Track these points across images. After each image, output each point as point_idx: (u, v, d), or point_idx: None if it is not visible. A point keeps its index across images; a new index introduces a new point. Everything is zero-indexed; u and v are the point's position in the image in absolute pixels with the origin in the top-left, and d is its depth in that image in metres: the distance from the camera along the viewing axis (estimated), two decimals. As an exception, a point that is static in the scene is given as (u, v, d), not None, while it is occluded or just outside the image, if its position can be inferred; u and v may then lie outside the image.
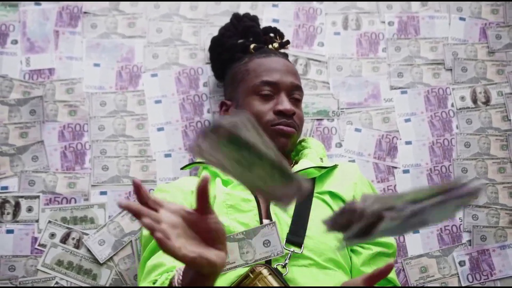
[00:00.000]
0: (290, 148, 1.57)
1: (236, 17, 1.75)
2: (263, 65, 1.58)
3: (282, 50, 1.74)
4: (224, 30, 1.74)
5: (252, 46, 1.68)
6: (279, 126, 1.51)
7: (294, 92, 1.58)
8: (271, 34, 1.76)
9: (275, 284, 1.23)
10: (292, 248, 1.33)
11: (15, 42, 1.79)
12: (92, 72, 1.79)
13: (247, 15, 1.76)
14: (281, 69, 1.58)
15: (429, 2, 1.93)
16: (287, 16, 1.90)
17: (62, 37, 1.81)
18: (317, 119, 1.80)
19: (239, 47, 1.69)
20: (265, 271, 1.24)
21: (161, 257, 1.31)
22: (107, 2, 1.85)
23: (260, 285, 1.23)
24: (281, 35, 1.77)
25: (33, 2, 1.82)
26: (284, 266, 1.30)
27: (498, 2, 1.94)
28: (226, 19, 1.78)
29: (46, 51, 1.79)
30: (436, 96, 1.84)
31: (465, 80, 1.86)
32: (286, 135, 1.52)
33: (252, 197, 1.41)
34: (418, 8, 1.93)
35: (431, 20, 1.92)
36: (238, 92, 1.59)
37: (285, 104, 1.53)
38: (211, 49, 1.75)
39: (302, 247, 1.33)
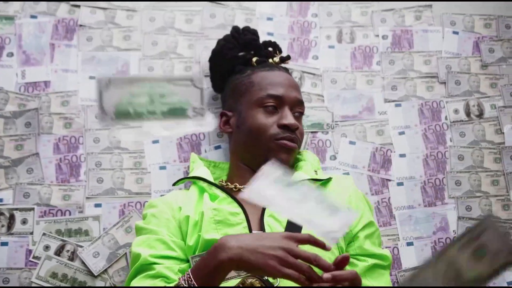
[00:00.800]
0: (291, 163, 1.57)
1: (236, 30, 1.73)
2: (268, 79, 1.58)
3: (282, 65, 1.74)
4: (224, 42, 1.72)
5: (254, 59, 1.67)
6: (282, 140, 1.51)
7: (297, 107, 1.58)
8: (270, 48, 1.76)
9: None
10: (284, 259, 1.32)
11: (11, 54, 1.79)
12: (88, 84, 1.79)
13: (247, 28, 1.75)
14: (285, 83, 1.58)
15: (423, 16, 1.94)
16: (282, 29, 1.91)
17: (57, 50, 1.82)
18: (312, 132, 1.81)
19: (240, 60, 1.68)
20: (256, 283, 1.24)
21: (144, 282, 1.32)
22: (103, 15, 1.85)
23: None
24: (280, 50, 1.76)
25: (29, 15, 1.83)
26: (275, 278, 1.30)
27: (491, 16, 1.96)
28: (222, 32, 1.78)
29: (41, 64, 1.80)
30: (430, 109, 1.85)
31: (459, 93, 1.87)
32: (289, 150, 1.52)
33: (239, 210, 1.41)
34: (412, 21, 1.94)
35: (424, 33, 1.93)
36: (241, 104, 1.58)
37: (289, 118, 1.53)
38: (212, 60, 1.75)
39: None
